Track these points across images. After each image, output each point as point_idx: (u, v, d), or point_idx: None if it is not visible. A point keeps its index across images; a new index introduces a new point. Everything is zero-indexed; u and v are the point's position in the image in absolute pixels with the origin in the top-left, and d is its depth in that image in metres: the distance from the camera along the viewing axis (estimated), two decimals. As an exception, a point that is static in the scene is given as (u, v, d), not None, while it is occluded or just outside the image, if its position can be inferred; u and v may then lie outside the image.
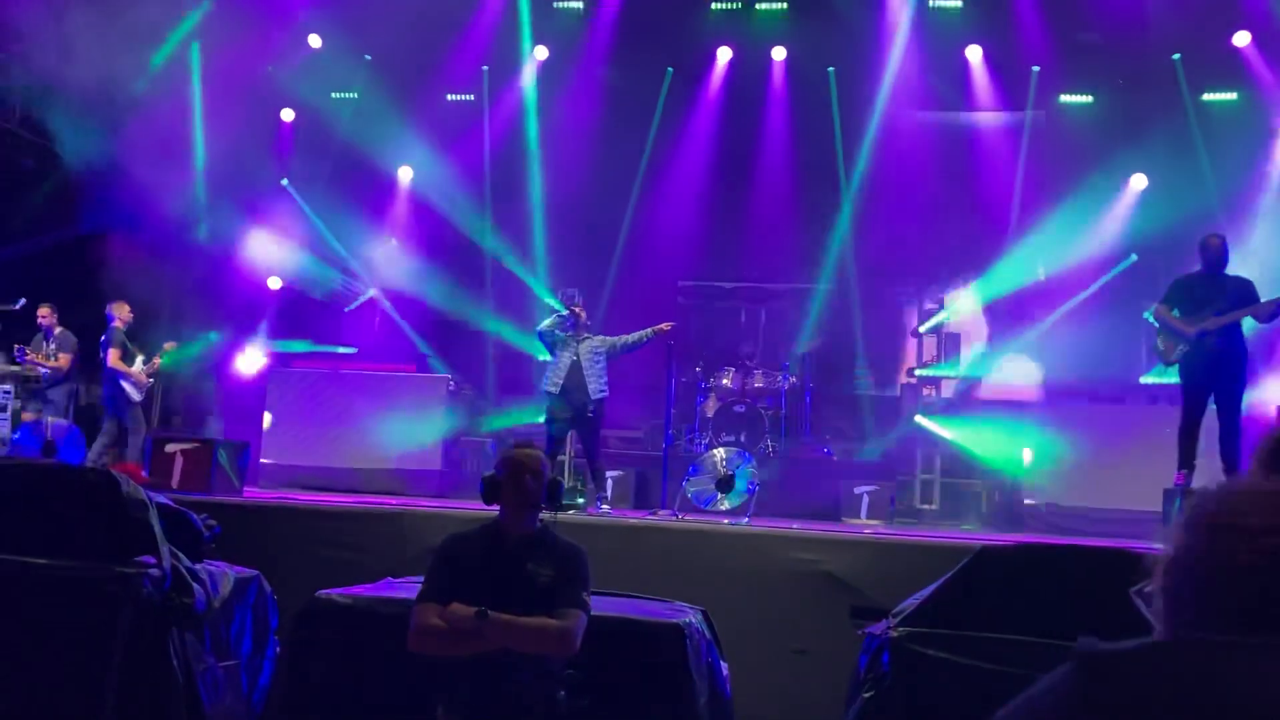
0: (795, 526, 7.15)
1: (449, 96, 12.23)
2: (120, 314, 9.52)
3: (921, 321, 11.77)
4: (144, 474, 7.62)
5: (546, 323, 8.55)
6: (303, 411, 10.28)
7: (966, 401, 11.14)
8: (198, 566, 4.67)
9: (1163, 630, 1.15)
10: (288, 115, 12.23)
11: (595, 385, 8.38)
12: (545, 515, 3.87)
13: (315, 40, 11.68)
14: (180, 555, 4.53)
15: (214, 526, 5.05)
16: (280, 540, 6.64)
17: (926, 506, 10.57)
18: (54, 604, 4.13)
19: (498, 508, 3.82)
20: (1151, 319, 7.95)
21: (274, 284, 12.06)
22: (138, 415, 9.46)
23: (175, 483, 7.55)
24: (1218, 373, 7.30)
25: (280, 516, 7.04)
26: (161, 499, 4.95)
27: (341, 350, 11.75)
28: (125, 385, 9.37)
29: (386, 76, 11.55)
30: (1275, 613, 1.07)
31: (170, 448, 7.79)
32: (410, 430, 10.06)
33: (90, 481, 4.57)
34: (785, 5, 11.60)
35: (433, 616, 3.57)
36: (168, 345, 9.67)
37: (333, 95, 11.96)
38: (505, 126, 12.11)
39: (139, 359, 9.51)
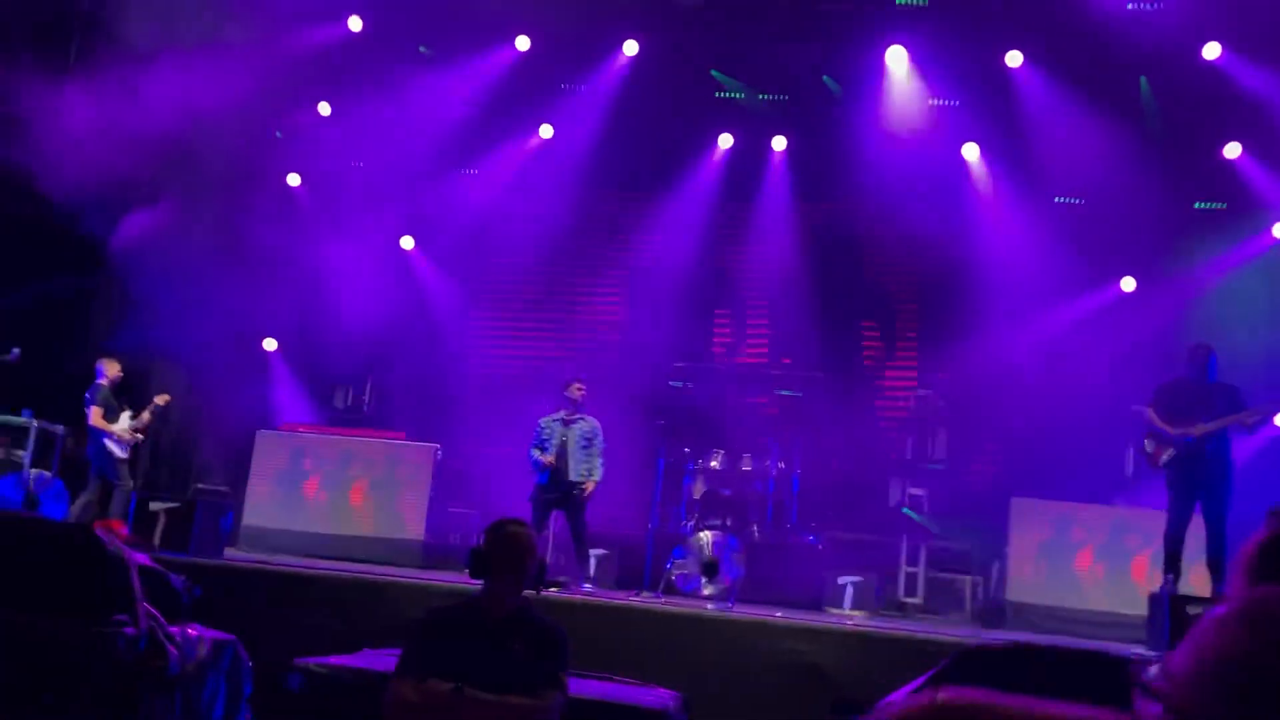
0: (778, 615, 7.10)
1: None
2: (109, 371, 9.47)
3: (916, 411, 11.79)
4: (126, 531, 7.57)
5: (535, 448, 8.69)
6: (288, 475, 10.23)
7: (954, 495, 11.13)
8: (175, 629, 4.62)
9: None
10: (294, 180, 12.37)
11: (581, 468, 8.47)
12: (528, 593, 3.86)
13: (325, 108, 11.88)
14: (157, 616, 4.48)
15: (194, 589, 5.01)
16: (258, 605, 6.57)
17: (910, 599, 10.50)
18: (25, 659, 4.07)
19: (481, 582, 3.81)
20: (1139, 413, 8.02)
21: (270, 345, 12.10)
22: (123, 472, 9.38)
23: (157, 541, 7.50)
24: (1205, 479, 7.35)
25: (260, 581, 6.98)
26: (143, 558, 4.91)
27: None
28: (108, 443, 9.31)
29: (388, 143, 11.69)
30: None
31: (154, 506, 7.75)
32: (395, 499, 10.01)
33: (71, 537, 4.55)
34: (787, 96, 11.83)
35: (409, 691, 3.54)
36: (160, 399, 9.63)
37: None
38: (502, 200, 12.21)
39: (125, 415, 9.46)
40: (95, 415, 9.28)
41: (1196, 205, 10.95)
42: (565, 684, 3.60)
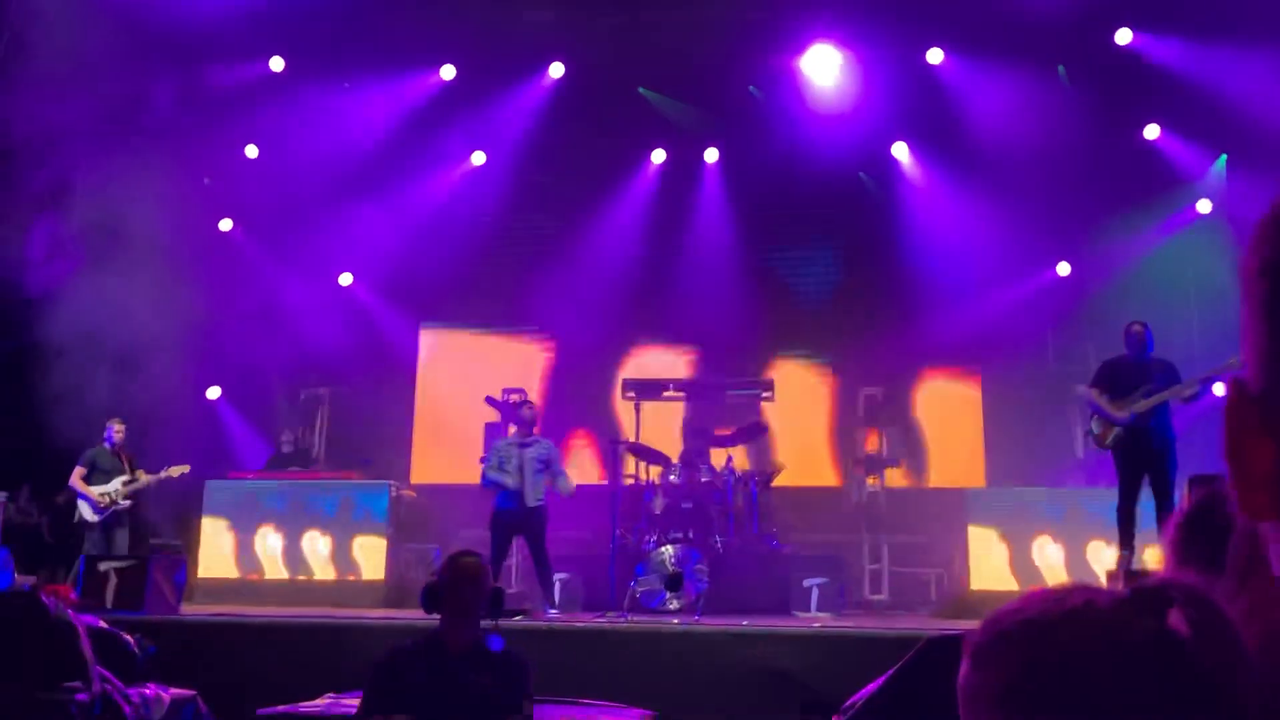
0: (745, 623, 7.10)
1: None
2: (114, 433, 9.50)
3: (866, 411, 11.88)
4: (74, 595, 7.40)
5: (490, 469, 8.63)
6: (241, 524, 10.07)
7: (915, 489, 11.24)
8: (132, 690, 4.53)
9: None
10: (226, 225, 12.23)
11: (535, 492, 8.42)
12: (487, 624, 3.83)
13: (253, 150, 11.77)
14: (112, 679, 4.40)
15: (149, 647, 4.92)
16: (218, 658, 6.46)
17: (876, 597, 10.56)
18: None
19: (439, 617, 3.78)
20: (1082, 395, 8.16)
21: (213, 393, 11.94)
22: (94, 537, 9.24)
23: (109, 602, 7.34)
24: (1150, 454, 7.49)
25: (217, 634, 6.86)
26: (93, 620, 4.81)
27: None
28: (81, 504, 9.27)
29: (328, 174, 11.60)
30: None
31: (103, 566, 7.59)
32: (352, 540, 9.89)
33: (15, 605, 4.44)
34: (715, 109, 11.92)
35: (371, 732, 3.50)
36: (175, 470, 9.47)
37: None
38: (437, 228, 12.14)
39: (118, 479, 9.34)
40: (74, 476, 9.33)
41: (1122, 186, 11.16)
42: (530, 712, 3.57)
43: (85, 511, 9.32)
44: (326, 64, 11.26)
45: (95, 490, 9.29)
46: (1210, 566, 1.53)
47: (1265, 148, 9.36)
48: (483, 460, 8.95)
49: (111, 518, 9.38)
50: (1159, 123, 10.92)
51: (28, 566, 9.84)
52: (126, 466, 9.46)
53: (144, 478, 9.39)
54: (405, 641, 3.86)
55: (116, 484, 9.37)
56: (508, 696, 3.57)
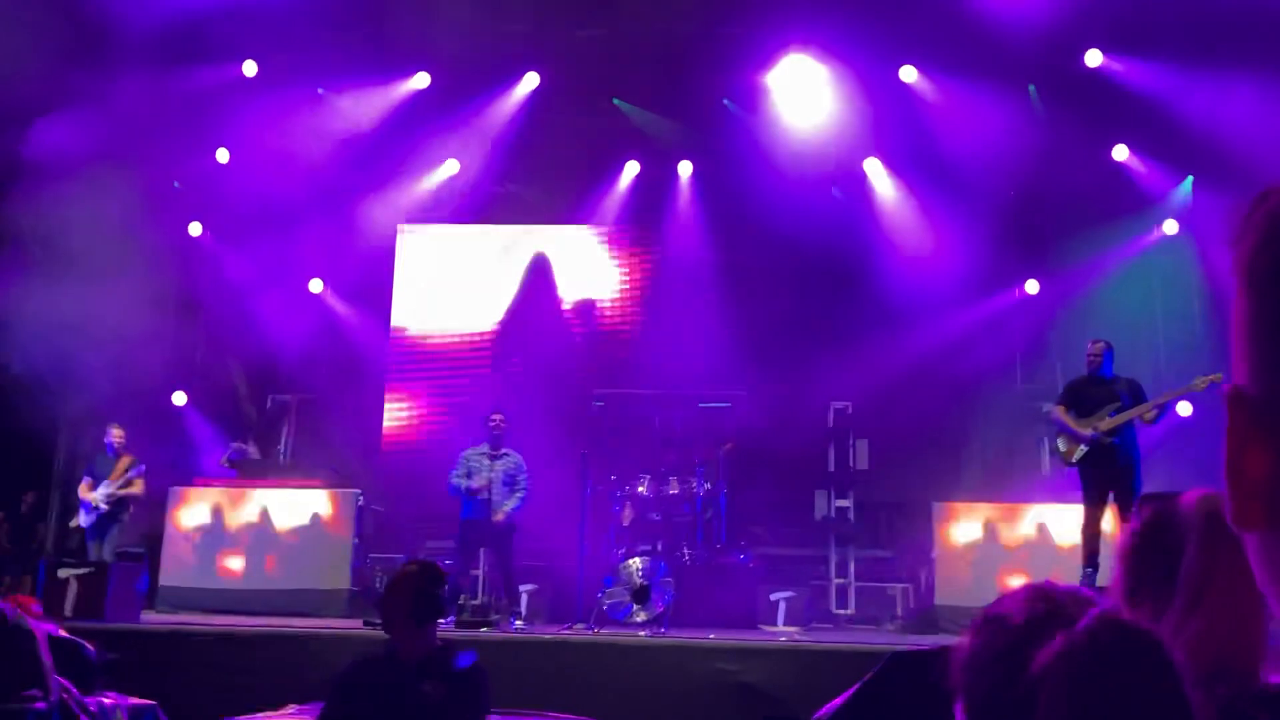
0: (712, 636, 7.10)
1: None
2: (112, 436, 9.64)
3: (835, 424, 11.93)
4: (37, 607, 7.27)
5: (457, 476, 8.64)
6: (204, 530, 9.96)
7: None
8: (90, 699, 4.47)
9: None
10: (195, 229, 12.11)
11: (505, 505, 8.46)
12: (450, 632, 3.81)
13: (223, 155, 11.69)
14: (70, 688, 4.33)
15: (105, 655, 4.85)
16: (179, 668, 6.39)
17: (843, 611, 10.59)
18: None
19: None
20: (1049, 413, 8.24)
21: (179, 399, 11.81)
22: (88, 541, 9.42)
23: (69, 610, 7.23)
24: (1114, 472, 7.57)
25: (179, 642, 6.77)
26: (52, 628, 4.74)
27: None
28: (81, 511, 9.48)
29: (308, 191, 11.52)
30: None
31: (63, 573, 7.48)
32: (318, 548, 9.81)
33: (-27, 613, 4.36)
34: (688, 122, 11.94)
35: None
36: (135, 485, 9.55)
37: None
38: (413, 236, 12.13)
39: (105, 482, 9.46)
40: (82, 486, 9.56)
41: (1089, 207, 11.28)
42: None
43: (80, 517, 9.51)
44: (300, 68, 11.19)
45: (92, 494, 9.46)
46: (1161, 587, 1.54)
47: (1231, 170, 9.48)
48: (451, 470, 8.93)
49: (101, 522, 9.36)
50: (1127, 144, 11.05)
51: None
52: (121, 471, 9.43)
53: (130, 482, 9.42)
54: (365, 653, 3.84)
55: (104, 487, 9.43)
56: (464, 709, 3.55)
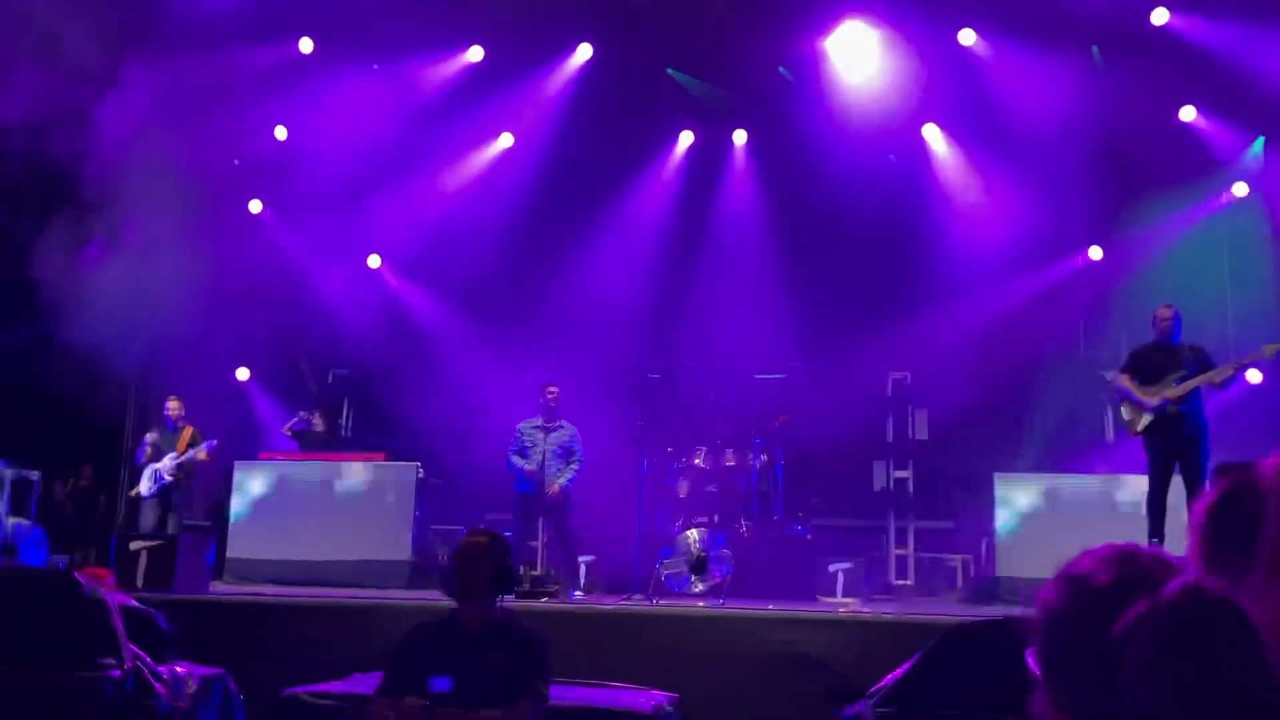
0: (770, 607, 7.10)
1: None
2: (169, 409, 9.93)
3: (894, 395, 11.82)
4: (111, 579, 7.47)
5: (513, 453, 8.74)
6: (269, 503, 10.15)
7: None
8: (162, 667, 4.59)
9: None
10: (255, 206, 12.27)
11: (556, 477, 8.52)
12: (510, 602, 3.85)
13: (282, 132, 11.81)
14: (143, 656, 4.45)
15: (172, 624, 4.98)
16: (246, 637, 6.53)
17: (902, 582, 10.53)
18: (15, 709, 4.03)
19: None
20: (1113, 381, 8.07)
21: (242, 375, 12.02)
22: (147, 513, 9.65)
23: (140, 582, 7.42)
24: (1180, 441, 7.40)
25: (246, 613, 6.92)
26: (125, 599, 4.87)
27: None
28: (144, 480, 9.75)
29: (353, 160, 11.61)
30: None
31: (134, 545, 7.67)
32: (379, 520, 9.96)
33: (50, 585, 4.50)
34: (744, 91, 11.82)
35: (385, 710, 3.54)
36: (200, 453, 9.74)
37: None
38: (466, 209, 12.14)
39: (168, 456, 9.70)
40: (141, 453, 9.87)
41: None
42: (544, 693, 3.59)
43: (142, 486, 9.75)
44: (355, 46, 11.26)
45: (154, 466, 9.69)
46: (1240, 556, 1.51)
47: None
48: (510, 446, 9.00)
49: (164, 494, 9.59)
50: (1195, 104, 10.74)
51: (60, 546, 10.04)
52: (186, 442, 9.65)
53: (189, 453, 9.64)
54: (424, 621, 3.89)
55: (166, 461, 9.64)
56: (524, 675, 3.59)
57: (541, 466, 8.64)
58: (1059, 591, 1.14)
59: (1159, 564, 1.11)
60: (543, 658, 3.67)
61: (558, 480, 8.68)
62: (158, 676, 4.48)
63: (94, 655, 4.21)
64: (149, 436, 9.91)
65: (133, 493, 10.02)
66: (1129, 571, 1.10)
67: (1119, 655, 1.05)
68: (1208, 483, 7.35)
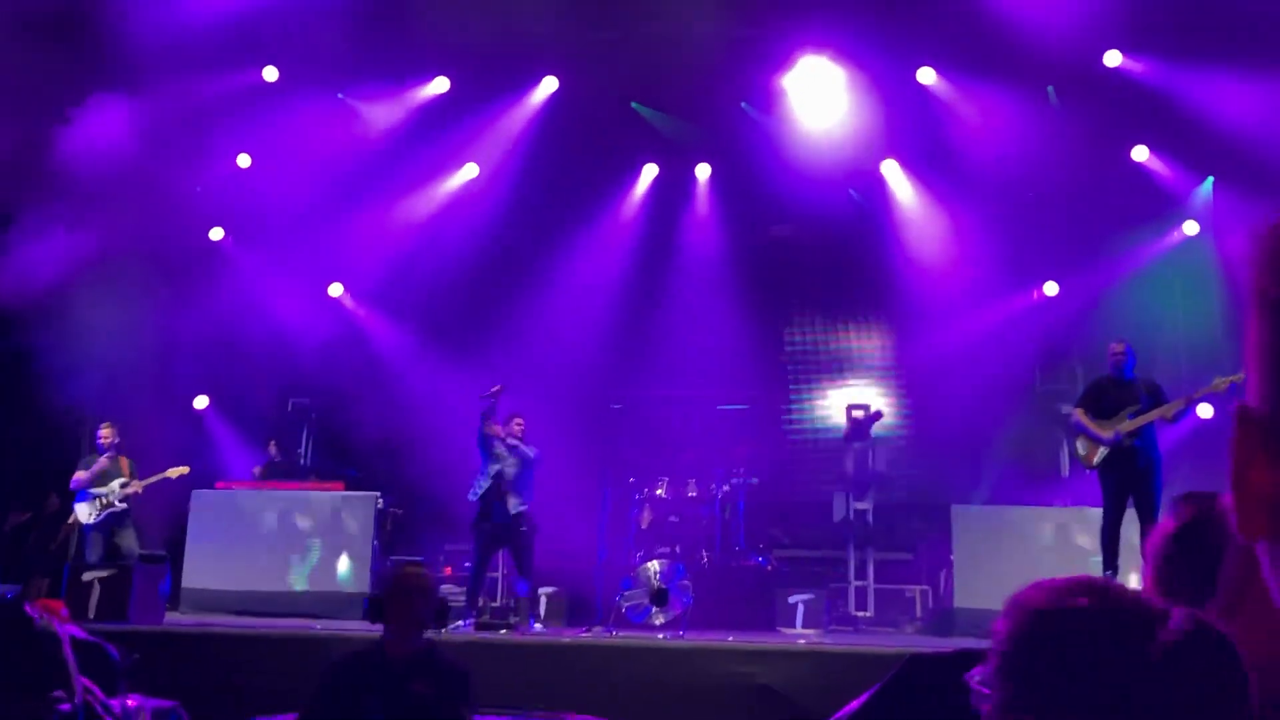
0: (730, 638, 7.11)
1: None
2: (102, 435, 9.56)
3: (852, 427, 11.89)
4: (65, 610, 7.34)
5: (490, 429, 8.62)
6: (226, 532, 10.03)
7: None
8: (114, 700, 4.51)
9: None
10: (216, 234, 12.18)
11: (515, 500, 8.42)
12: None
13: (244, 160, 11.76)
14: (94, 689, 4.38)
15: (129, 656, 4.90)
16: (202, 669, 6.43)
17: (861, 614, 10.57)
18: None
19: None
20: (1069, 415, 8.19)
21: (201, 403, 11.90)
22: (94, 541, 9.34)
23: (92, 613, 7.30)
24: (1134, 475, 7.52)
25: (201, 644, 6.83)
26: (75, 630, 4.79)
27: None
28: (79, 507, 9.39)
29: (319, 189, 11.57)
30: None
31: (87, 576, 7.56)
32: (338, 550, 9.87)
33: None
34: (706, 125, 11.94)
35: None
36: (174, 471, 9.51)
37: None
38: (429, 241, 12.13)
39: (115, 481, 9.39)
40: (77, 479, 9.47)
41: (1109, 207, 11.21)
42: None
43: (82, 514, 9.37)
44: (320, 74, 11.26)
45: (92, 493, 9.37)
46: (1198, 586, 1.54)
47: (1252, 170, 9.42)
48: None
49: (111, 520, 9.39)
50: (1147, 144, 10.98)
51: (12, 575, 9.83)
52: (126, 470, 9.47)
53: (135, 484, 9.39)
54: (350, 651, 3.89)
55: (114, 486, 9.39)
56: (448, 706, 3.59)
57: (502, 493, 8.50)
58: (1011, 621, 1.17)
59: (1117, 596, 1.14)
60: (465, 688, 3.70)
61: (518, 501, 8.54)
62: (109, 710, 4.41)
63: (45, 688, 4.14)
64: (84, 462, 9.62)
65: (70, 520, 9.74)
66: (1085, 602, 1.13)
67: (1084, 685, 1.07)
68: (1166, 512, 7.46)
